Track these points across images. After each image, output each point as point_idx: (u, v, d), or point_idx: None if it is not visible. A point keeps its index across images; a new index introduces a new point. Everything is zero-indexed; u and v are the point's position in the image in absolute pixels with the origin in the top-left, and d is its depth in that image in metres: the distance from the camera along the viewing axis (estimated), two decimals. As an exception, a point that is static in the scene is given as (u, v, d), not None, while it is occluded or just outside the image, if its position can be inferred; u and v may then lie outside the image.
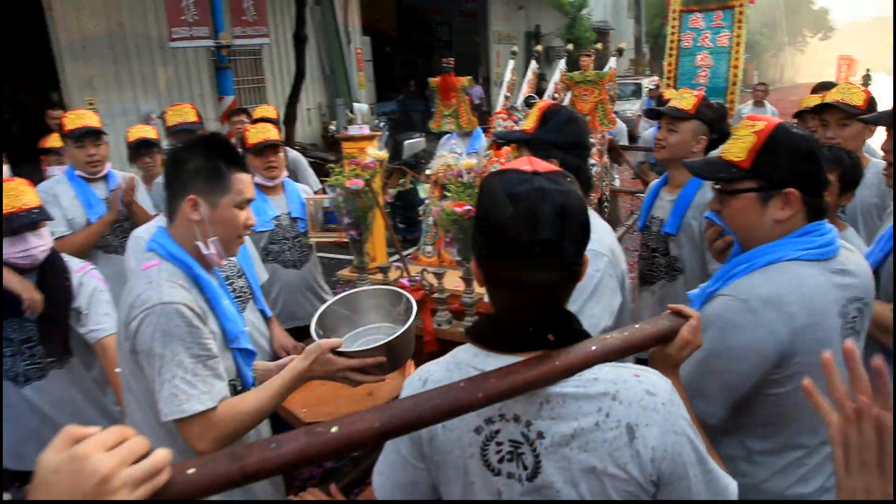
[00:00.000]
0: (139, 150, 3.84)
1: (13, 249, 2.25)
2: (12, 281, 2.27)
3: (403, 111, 16.86)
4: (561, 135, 2.01)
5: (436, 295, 2.71)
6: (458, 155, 3.10)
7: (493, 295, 1.16)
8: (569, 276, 1.11)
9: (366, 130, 2.82)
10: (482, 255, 1.14)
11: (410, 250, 3.58)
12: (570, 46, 5.28)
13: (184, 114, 3.75)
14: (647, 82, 12.41)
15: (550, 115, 2.05)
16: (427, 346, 2.64)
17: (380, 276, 2.83)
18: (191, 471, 0.78)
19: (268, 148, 3.14)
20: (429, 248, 3.23)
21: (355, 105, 2.78)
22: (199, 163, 1.60)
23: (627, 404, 1.06)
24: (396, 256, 3.01)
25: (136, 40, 10.32)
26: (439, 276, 2.69)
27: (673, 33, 5.34)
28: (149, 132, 3.92)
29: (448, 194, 2.51)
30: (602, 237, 1.91)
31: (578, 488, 1.07)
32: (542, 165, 1.14)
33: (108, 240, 3.35)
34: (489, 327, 1.17)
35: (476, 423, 1.13)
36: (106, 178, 3.37)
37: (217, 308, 1.63)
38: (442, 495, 1.24)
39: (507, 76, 4.12)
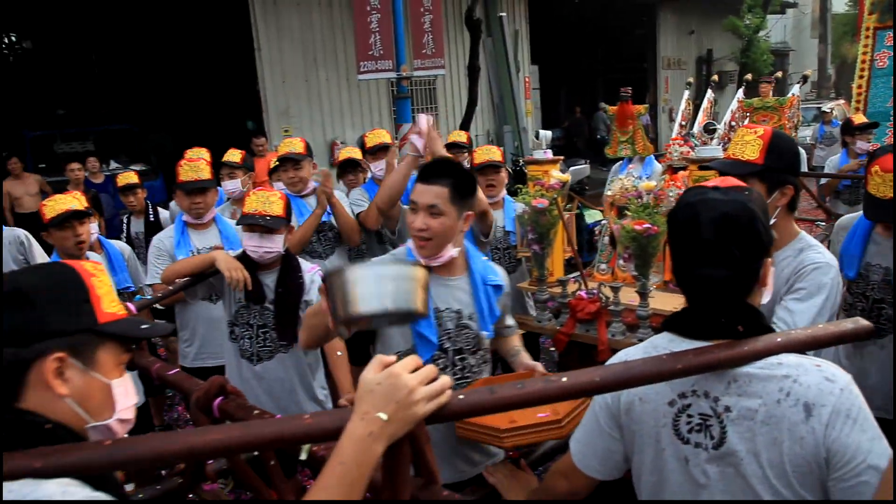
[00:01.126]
0: (346, 168, 4.41)
1: (250, 242, 2.72)
2: (226, 259, 2.70)
3: (568, 138, 17.02)
4: (791, 160, 2.03)
5: (611, 307, 2.89)
6: (636, 178, 3.26)
7: (683, 290, 1.37)
8: (743, 275, 1.29)
9: (549, 154, 3.08)
10: (673, 256, 1.37)
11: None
12: (749, 77, 5.22)
13: (381, 136, 4.25)
14: (831, 107, 11.48)
15: (777, 143, 2.01)
16: (601, 356, 2.82)
17: (558, 290, 3.06)
18: (461, 396, 1.06)
19: (490, 168, 3.61)
20: (603, 266, 3.41)
21: (540, 132, 3.06)
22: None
23: (807, 387, 1.22)
24: (576, 272, 3.22)
25: (327, 74, 11.50)
26: (615, 290, 2.87)
27: (865, 52, 5.04)
28: (355, 153, 4.48)
29: (628, 213, 2.70)
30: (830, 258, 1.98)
31: (759, 458, 1.23)
32: (729, 182, 1.35)
33: (313, 246, 3.87)
34: (685, 317, 1.36)
35: (670, 398, 1.33)
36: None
37: None
38: (633, 462, 1.44)
39: (682, 105, 4.21)
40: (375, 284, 1.29)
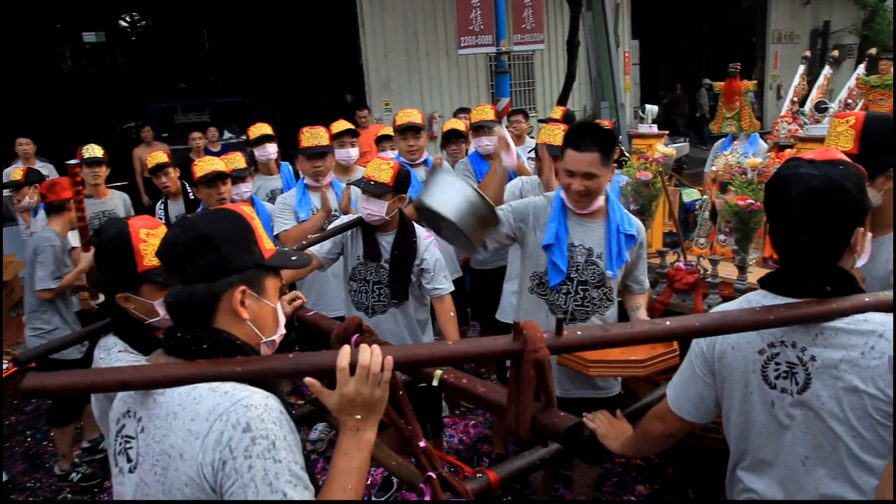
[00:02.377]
0: (449, 138, 4.63)
1: (361, 203, 2.98)
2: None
3: (667, 115, 16.54)
4: (888, 143, 1.97)
5: (709, 280, 2.97)
6: (740, 155, 3.29)
7: (777, 252, 1.52)
8: (830, 242, 1.41)
9: (655, 129, 3.16)
10: (769, 222, 1.52)
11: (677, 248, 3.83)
12: (874, 51, 4.98)
13: (485, 112, 4.42)
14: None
15: (871, 128, 1.95)
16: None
17: (657, 260, 3.16)
18: (578, 332, 1.25)
19: None
20: (702, 240, 3.47)
21: (646, 106, 3.14)
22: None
23: (891, 342, 1.34)
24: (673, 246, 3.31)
25: (428, 49, 11.74)
26: (714, 263, 2.95)
27: None
28: (459, 125, 4.69)
29: (732, 188, 2.77)
30: None
31: (841, 402, 1.37)
32: (826, 155, 1.47)
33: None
34: (778, 277, 1.51)
35: (760, 346, 1.48)
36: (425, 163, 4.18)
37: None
38: (723, 405, 1.59)
39: (796, 81, 4.13)
40: (452, 194, 1.77)
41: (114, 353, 1.73)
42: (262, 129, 4.80)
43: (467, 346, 1.22)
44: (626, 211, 2.60)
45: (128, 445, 1.26)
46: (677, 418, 1.66)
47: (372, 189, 2.93)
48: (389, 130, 4.89)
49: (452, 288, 3.07)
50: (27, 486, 4.05)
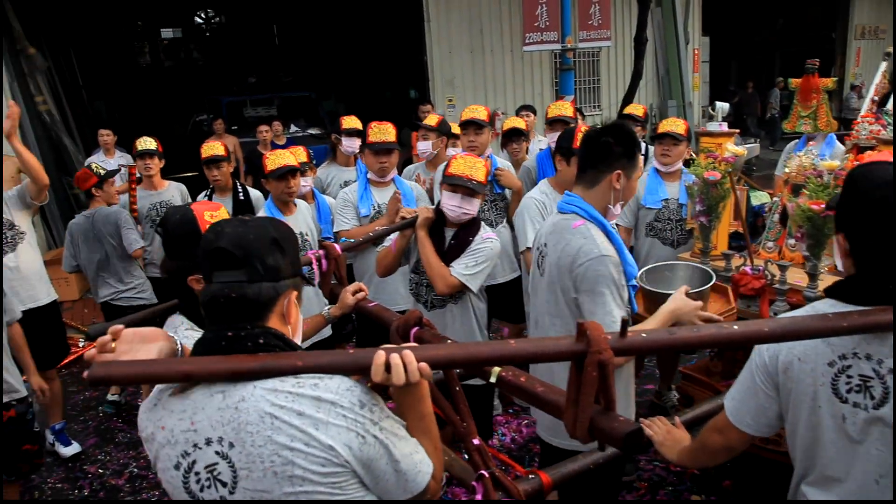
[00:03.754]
0: (510, 137, 4.61)
1: (451, 201, 2.93)
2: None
3: (738, 114, 15.99)
4: None
5: (776, 286, 2.86)
6: (815, 157, 3.16)
7: (855, 259, 1.45)
8: None
9: (724, 127, 3.06)
10: (848, 226, 1.45)
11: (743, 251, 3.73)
12: (890, 49, 4.71)
13: (563, 108, 4.38)
14: None
15: None
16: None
17: (722, 263, 3.07)
18: (643, 335, 1.23)
19: (667, 137, 3.72)
20: (770, 244, 3.34)
21: (717, 104, 3.05)
22: (625, 146, 2.11)
23: None
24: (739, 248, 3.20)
25: (492, 45, 11.70)
26: (783, 269, 2.84)
27: None
28: (520, 123, 4.66)
29: (805, 192, 2.65)
30: None
31: None
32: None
33: (486, 214, 4.11)
34: (849, 284, 1.44)
35: (830, 358, 1.41)
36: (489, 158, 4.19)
37: (622, 254, 2.13)
38: (787, 420, 1.53)
39: (877, 78, 3.93)
40: None
41: (181, 331, 1.80)
42: (354, 122, 4.86)
43: (530, 346, 1.22)
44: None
45: (215, 473, 1.23)
46: (737, 431, 1.60)
47: (475, 188, 2.92)
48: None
49: (466, 280, 2.93)
50: (98, 458, 4.28)
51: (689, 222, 3.50)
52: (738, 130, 3.43)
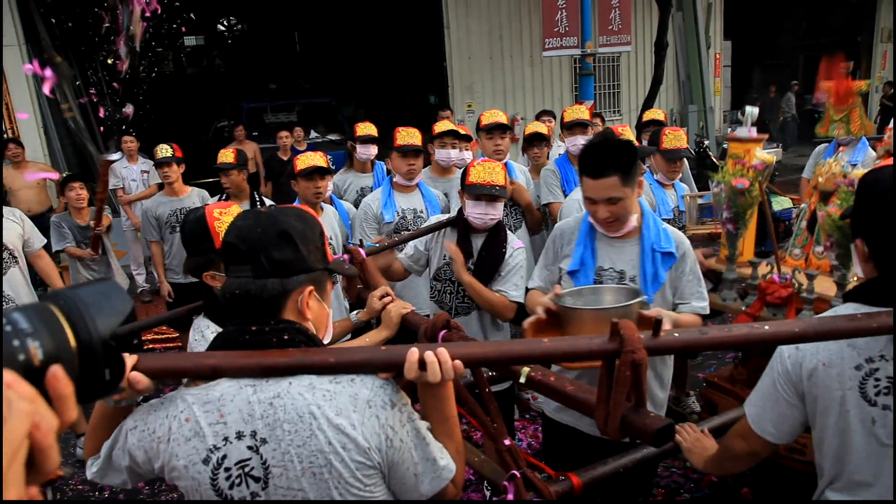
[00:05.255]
0: (532, 142, 4.62)
1: (476, 209, 2.91)
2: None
3: (760, 119, 15.83)
4: None
5: (804, 295, 2.83)
6: (846, 163, 3.13)
7: (876, 262, 1.44)
8: None
9: (754, 133, 3.03)
10: (866, 231, 1.45)
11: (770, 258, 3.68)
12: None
13: (580, 112, 4.39)
14: None
15: None
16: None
17: (748, 270, 3.05)
18: (676, 334, 1.23)
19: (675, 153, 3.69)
20: (797, 251, 3.31)
21: (747, 108, 3.01)
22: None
23: None
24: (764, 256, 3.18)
25: (511, 51, 11.73)
26: (811, 277, 2.80)
27: None
28: (542, 128, 4.67)
29: (836, 200, 2.62)
30: None
31: None
32: None
33: (506, 220, 4.11)
34: (872, 287, 1.43)
35: (857, 362, 1.41)
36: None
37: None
38: (815, 427, 1.52)
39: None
40: None
41: (207, 335, 1.84)
42: (369, 128, 4.83)
43: (563, 346, 1.23)
44: (665, 225, 2.39)
45: (247, 469, 1.22)
46: (758, 437, 1.59)
47: (499, 193, 2.90)
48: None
49: (519, 298, 2.90)
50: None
51: (689, 228, 3.47)
52: (766, 135, 3.37)
